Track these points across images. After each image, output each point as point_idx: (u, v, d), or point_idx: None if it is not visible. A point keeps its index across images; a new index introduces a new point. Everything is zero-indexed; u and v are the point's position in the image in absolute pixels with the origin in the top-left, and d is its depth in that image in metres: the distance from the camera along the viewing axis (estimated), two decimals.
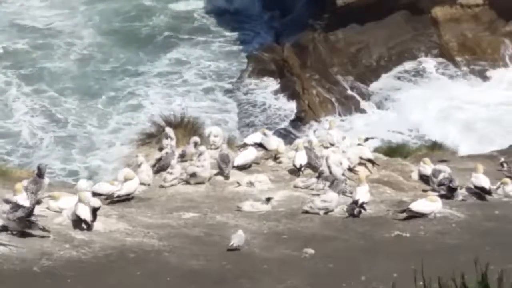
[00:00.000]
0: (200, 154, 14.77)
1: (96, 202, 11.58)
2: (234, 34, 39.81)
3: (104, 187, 13.86)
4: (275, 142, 16.79)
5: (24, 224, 10.85)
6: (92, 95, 35.08)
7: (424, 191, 14.54)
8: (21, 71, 36.18)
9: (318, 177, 14.58)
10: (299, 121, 33.24)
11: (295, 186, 14.62)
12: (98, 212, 11.70)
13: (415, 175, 15.68)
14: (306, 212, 12.89)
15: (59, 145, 31.48)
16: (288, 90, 34.60)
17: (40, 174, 12.67)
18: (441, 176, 14.33)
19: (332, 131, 16.85)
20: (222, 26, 40.51)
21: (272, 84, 35.45)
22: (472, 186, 14.32)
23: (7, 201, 10.98)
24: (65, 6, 41.64)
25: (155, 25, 40.44)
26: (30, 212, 10.86)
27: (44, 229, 10.92)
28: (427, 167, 15.20)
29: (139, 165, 14.72)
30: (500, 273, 6.33)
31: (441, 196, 13.55)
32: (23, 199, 11.51)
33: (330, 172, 14.36)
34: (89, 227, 11.38)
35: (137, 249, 10.93)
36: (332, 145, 16.38)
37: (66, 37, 39.08)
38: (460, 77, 35.45)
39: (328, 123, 17.14)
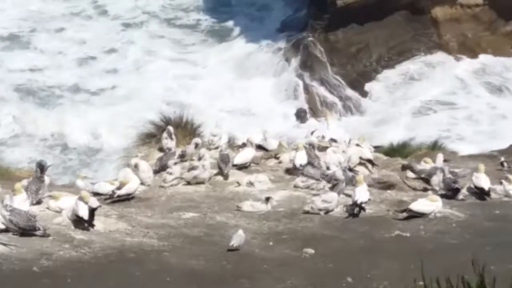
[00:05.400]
0: (200, 158, 14.78)
1: (94, 202, 11.56)
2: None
3: (104, 187, 13.85)
4: (274, 142, 16.80)
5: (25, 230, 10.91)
6: (90, 92, 35.04)
7: (425, 190, 14.53)
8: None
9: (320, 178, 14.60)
10: (299, 121, 33.24)
11: (295, 186, 14.61)
12: (98, 212, 11.70)
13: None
14: (307, 212, 12.90)
15: (58, 145, 31.46)
16: (288, 90, 34.60)
17: (41, 171, 12.63)
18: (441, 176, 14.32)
19: (331, 125, 16.79)
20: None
21: (272, 84, 35.41)
22: (472, 186, 14.30)
23: (6, 206, 10.96)
24: None
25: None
26: (33, 227, 10.90)
27: (44, 233, 10.93)
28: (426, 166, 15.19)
29: (137, 166, 14.69)
30: (495, 275, 6.32)
31: (442, 196, 13.55)
32: (23, 200, 11.50)
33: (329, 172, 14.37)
34: (90, 225, 11.36)
35: (137, 249, 10.92)
36: (333, 140, 16.35)
37: None
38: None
39: (325, 117, 17.03)
